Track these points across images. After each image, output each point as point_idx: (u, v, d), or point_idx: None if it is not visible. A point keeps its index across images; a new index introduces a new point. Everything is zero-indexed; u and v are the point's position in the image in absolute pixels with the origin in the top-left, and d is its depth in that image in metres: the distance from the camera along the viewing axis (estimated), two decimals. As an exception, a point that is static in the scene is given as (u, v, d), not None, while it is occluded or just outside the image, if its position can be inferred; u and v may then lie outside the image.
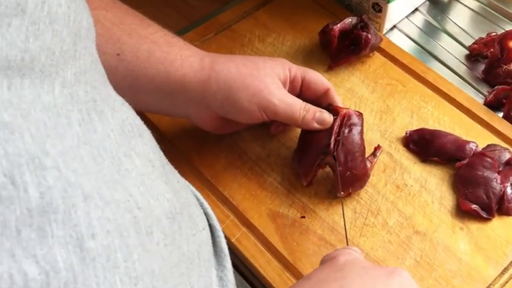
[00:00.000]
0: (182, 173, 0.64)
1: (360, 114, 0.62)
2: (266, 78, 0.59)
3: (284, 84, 0.61)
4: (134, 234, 0.32)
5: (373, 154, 0.66)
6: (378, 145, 0.66)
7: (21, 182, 0.25)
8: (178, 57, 0.58)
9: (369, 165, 0.63)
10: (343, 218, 0.61)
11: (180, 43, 0.59)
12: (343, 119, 0.61)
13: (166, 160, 0.45)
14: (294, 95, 0.61)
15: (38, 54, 0.28)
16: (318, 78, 0.63)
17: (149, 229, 0.34)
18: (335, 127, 0.60)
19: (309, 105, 0.60)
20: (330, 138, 0.60)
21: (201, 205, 0.54)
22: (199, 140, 0.69)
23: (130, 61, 0.56)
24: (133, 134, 0.38)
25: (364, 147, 0.61)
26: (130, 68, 0.56)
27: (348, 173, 0.60)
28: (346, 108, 0.62)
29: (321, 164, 0.62)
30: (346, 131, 0.60)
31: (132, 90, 0.57)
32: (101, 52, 0.45)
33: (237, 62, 0.60)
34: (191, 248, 0.42)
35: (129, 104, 0.59)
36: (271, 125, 0.66)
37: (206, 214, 0.53)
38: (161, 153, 0.44)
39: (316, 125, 0.60)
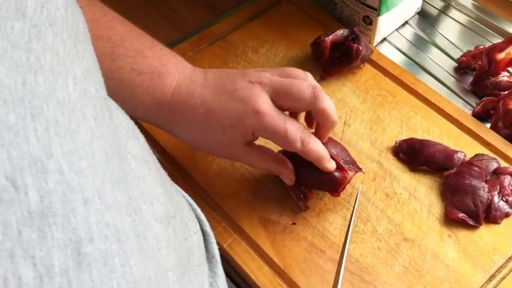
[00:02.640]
0: (174, 179, 0.64)
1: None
2: (224, 149, 0.60)
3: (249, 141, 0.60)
4: (134, 237, 0.32)
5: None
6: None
7: (22, 185, 0.25)
8: (139, 104, 0.57)
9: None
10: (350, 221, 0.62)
11: (145, 84, 0.58)
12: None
13: (160, 165, 0.46)
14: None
15: (42, 54, 0.28)
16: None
17: (144, 233, 0.35)
18: None
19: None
20: None
21: (194, 210, 0.55)
22: (192, 147, 0.69)
23: None
24: (129, 137, 0.39)
25: None
26: None
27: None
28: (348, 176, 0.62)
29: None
30: None
31: None
32: None
33: (193, 130, 0.59)
34: (183, 252, 0.43)
35: None
36: None
37: (199, 220, 0.54)
38: (155, 157, 0.45)
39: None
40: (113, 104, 0.39)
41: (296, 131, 0.57)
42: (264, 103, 0.56)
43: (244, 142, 0.58)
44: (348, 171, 0.61)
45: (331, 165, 0.60)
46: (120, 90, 0.56)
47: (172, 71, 0.59)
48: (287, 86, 0.58)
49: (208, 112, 0.57)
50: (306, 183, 0.63)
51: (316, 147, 0.58)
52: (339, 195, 0.62)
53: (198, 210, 0.55)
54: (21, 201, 0.25)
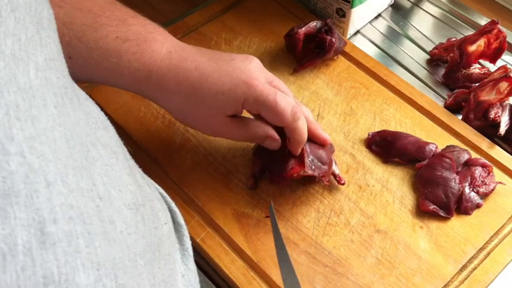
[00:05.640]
0: (148, 174, 0.64)
1: None
2: (210, 119, 0.59)
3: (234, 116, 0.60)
4: (98, 221, 0.33)
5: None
6: None
7: None
8: (125, 71, 0.56)
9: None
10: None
11: (131, 50, 0.56)
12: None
13: (130, 156, 0.46)
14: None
15: (3, 39, 0.28)
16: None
17: (111, 218, 0.35)
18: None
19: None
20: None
21: (167, 203, 0.55)
22: (165, 142, 0.69)
23: (82, 65, 0.55)
24: (98, 126, 0.39)
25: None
26: (83, 70, 0.56)
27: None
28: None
29: None
30: None
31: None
32: None
33: (182, 94, 0.57)
34: (153, 240, 0.43)
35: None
36: None
37: (171, 211, 0.54)
38: (125, 149, 0.44)
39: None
40: (82, 95, 0.39)
41: (286, 104, 0.57)
42: (259, 75, 0.58)
43: (230, 113, 0.58)
44: (307, 168, 0.60)
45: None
46: (106, 59, 0.56)
47: (160, 38, 0.58)
48: (279, 81, 0.60)
49: (202, 76, 0.57)
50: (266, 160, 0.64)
51: (304, 126, 0.59)
52: (277, 183, 0.63)
53: (173, 204, 0.55)
54: None
